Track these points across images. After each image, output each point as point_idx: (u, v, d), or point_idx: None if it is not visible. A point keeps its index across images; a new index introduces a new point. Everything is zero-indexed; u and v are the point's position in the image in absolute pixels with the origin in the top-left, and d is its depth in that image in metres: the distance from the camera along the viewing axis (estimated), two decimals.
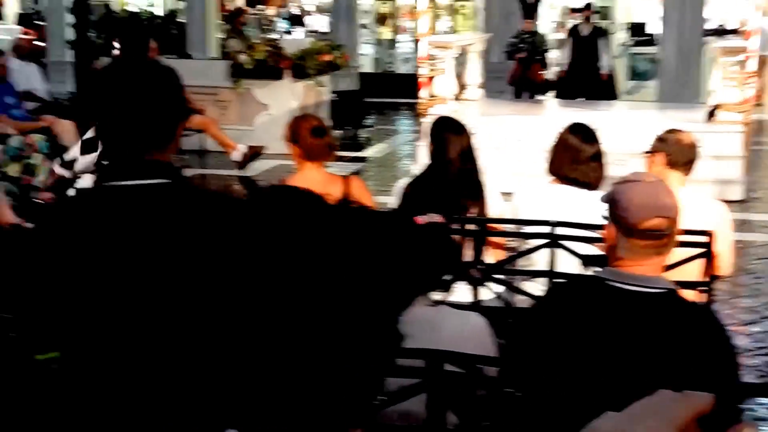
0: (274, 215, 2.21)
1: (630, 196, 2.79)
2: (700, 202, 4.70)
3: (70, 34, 13.62)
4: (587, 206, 4.70)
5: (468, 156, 4.96)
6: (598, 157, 4.92)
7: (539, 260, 4.67)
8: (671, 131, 4.89)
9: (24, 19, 24.68)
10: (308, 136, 5.06)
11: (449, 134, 5.00)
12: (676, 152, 4.75)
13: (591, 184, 4.87)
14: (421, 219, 3.16)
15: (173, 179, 2.27)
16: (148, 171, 2.25)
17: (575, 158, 4.88)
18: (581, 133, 4.99)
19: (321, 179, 5.06)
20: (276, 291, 2.11)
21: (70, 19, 12.99)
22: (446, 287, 3.16)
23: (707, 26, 19.19)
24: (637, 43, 20.24)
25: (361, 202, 5.01)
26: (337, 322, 2.12)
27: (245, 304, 2.14)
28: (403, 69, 21.56)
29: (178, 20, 21.25)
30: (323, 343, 2.13)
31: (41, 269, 2.25)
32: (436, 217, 3.17)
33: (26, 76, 12.43)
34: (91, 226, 2.22)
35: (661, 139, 4.85)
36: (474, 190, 4.93)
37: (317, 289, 2.10)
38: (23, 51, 13.00)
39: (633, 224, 2.76)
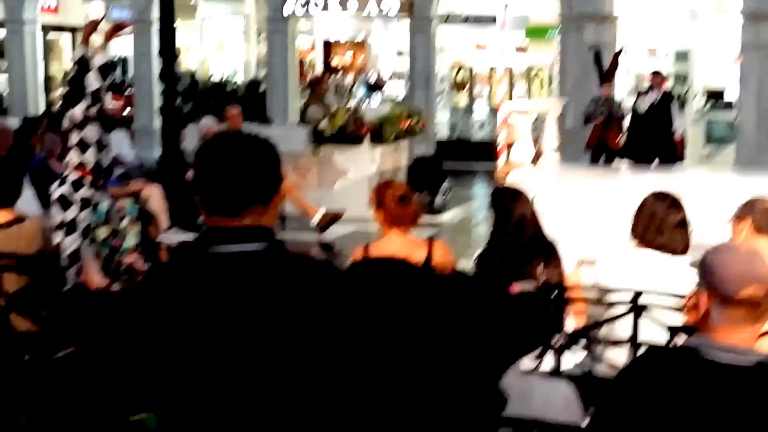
0: (374, 286, 2.25)
1: (727, 264, 2.75)
2: None
3: (157, 101, 13.99)
4: (673, 272, 4.68)
5: (530, 223, 4.97)
6: (683, 224, 4.90)
7: (622, 329, 4.63)
8: (759, 198, 4.84)
9: (113, 87, 25.47)
10: (393, 203, 5.12)
11: (509, 203, 5.02)
12: (764, 218, 4.70)
13: (677, 250, 4.84)
14: (516, 288, 3.18)
15: (271, 244, 2.34)
16: (249, 236, 2.32)
17: (661, 225, 4.86)
18: (667, 199, 4.98)
19: (405, 244, 5.11)
20: (375, 360, 2.14)
21: (157, 86, 13.34)
22: (541, 355, 3.16)
23: None
24: (716, 108, 20.07)
25: (445, 267, 5.09)
26: (439, 392, 2.14)
27: (340, 373, 2.17)
28: (478, 135, 21.66)
29: (261, 89, 21.69)
30: (426, 409, 2.15)
31: (139, 331, 2.31)
32: (528, 286, 3.19)
33: (116, 142, 12.80)
34: (191, 291, 2.28)
35: (748, 205, 4.80)
36: (545, 256, 4.92)
37: (418, 357, 2.12)
38: (113, 118, 13.44)
39: (731, 293, 2.73)
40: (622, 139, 15.73)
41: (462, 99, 22.33)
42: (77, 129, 6.51)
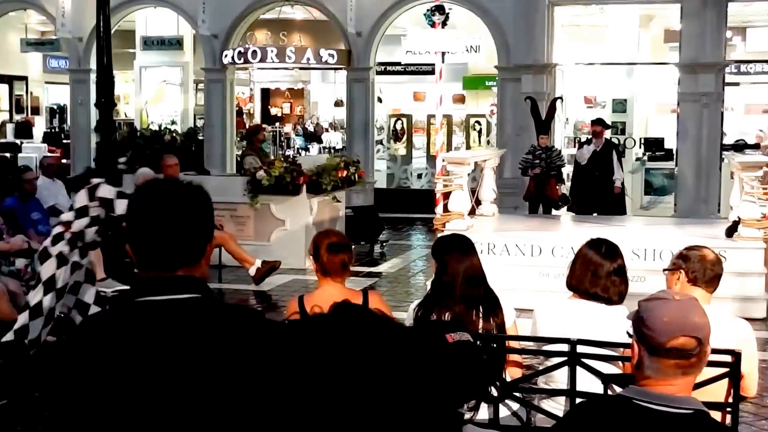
0: (308, 336, 2.21)
1: (658, 314, 2.73)
2: (723, 320, 4.63)
3: (94, 151, 13.91)
4: (609, 321, 4.66)
5: (474, 273, 4.93)
6: (619, 272, 4.90)
7: (559, 379, 4.60)
8: (693, 248, 4.86)
9: (50, 138, 25.32)
10: (325, 253, 5.06)
11: (453, 253, 4.99)
12: (699, 269, 4.72)
13: (612, 300, 4.84)
14: (451, 337, 3.13)
15: (203, 294, 2.31)
16: (181, 286, 2.30)
17: (596, 273, 4.86)
18: (602, 248, 4.98)
19: (339, 294, 5.03)
20: (303, 412, 2.09)
21: (94, 137, 13.25)
22: (476, 406, 3.10)
23: (725, 141, 19.37)
24: (655, 158, 20.31)
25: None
26: None
27: (266, 423, 2.13)
28: (417, 185, 21.74)
29: (199, 138, 21.62)
30: None
31: (68, 382, 2.27)
32: (465, 336, 3.14)
33: (53, 192, 12.76)
34: (121, 341, 2.25)
35: (683, 256, 4.81)
36: (485, 305, 4.88)
37: (353, 409, 2.08)
38: (50, 169, 13.37)
39: (659, 343, 2.70)
40: (561, 188, 15.85)
41: (400, 148, 22.41)
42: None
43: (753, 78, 22.68)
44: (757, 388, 7.37)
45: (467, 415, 3.06)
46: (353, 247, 14.51)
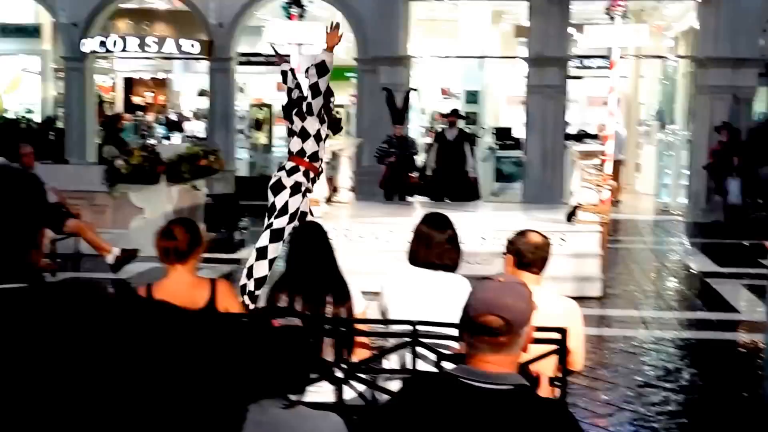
0: (126, 322, 2.19)
1: (476, 290, 2.82)
2: (551, 300, 4.81)
3: None
4: (446, 287, 4.82)
5: (325, 259, 4.99)
6: (450, 240, 5.07)
7: (404, 358, 4.69)
8: (520, 233, 5.02)
9: None
10: (158, 239, 5.04)
11: (307, 239, 5.04)
12: (524, 253, 4.87)
13: (447, 266, 5.00)
14: (278, 322, 3.17)
15: (32, 283, 2.24)
16: (6, 275, 2.22)
17: (429, 244, 5.02)
18: (432, 221, 5.14)
19: (187, 282, 5.02)
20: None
21: None
22: (301, 389, 3.14)
23: (569, 131, 19.95)
24: (504, 147, 20.78)
25: (226, 305, 5.02)
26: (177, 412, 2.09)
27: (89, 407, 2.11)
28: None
29: (57, 126, 21.04)
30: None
31: None
32: (294, 321, 3.19)
33: None
34: None
35: (510, 241, 4.97)
36: (337, 292, 4.94)
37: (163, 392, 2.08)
38: None
39: (468, 318, 2.78)
40: (415, 176, 16.05)
41: (262, 137, 22.30)
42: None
43: (594, 72, 23.41)
44: (591, 363, 7.70)
45: (293, 397, 3.08)
46: (209, 234, 14.33)
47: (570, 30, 18.70)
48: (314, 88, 8.62)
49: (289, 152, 8.89)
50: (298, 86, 9.06)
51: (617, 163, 19.02)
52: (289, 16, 11.77)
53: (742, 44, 17.61)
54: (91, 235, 11.63)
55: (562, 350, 4.40)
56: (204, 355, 2.15)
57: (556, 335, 4.40)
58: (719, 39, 17.64)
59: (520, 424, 2.67)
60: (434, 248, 5.03)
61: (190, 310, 2.27)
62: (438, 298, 4.73)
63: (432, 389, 2.85)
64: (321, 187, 11.72)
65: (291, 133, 8.97)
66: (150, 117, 25.93)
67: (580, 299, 8.70)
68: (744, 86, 17.81)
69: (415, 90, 17.48)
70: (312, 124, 8.74)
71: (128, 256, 11.44)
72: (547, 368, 4.42)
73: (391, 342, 4.76)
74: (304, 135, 8.76)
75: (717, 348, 9.06)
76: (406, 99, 16.40)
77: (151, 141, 21.11)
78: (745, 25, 17.55)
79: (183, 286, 4.97)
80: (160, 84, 28.19)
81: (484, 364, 2.75)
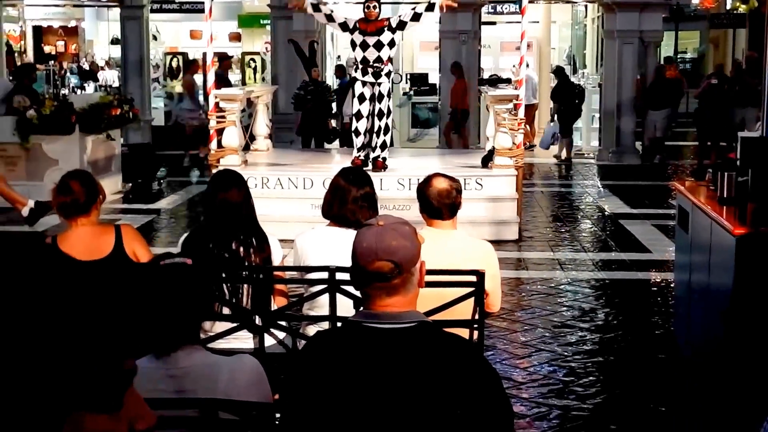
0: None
1: (359, 240, 2.77)
2: (466, 243, 4.80)
3: None
4: None
5: (243, 206, 4.90)
6: (366, 198, 4.96)
7: (323, 305, 4.65)
8: (425, 180, 4.87)
9: None
10: (54, 195, 4.95)
11: (224, 185, 4.94)
12: (430, 200, 4.77)
13: (360, 224, 4.88)
14: (165, 262, 3.10)
15: None
16: None
17: (344, 199, 4.93)
18: (350, 175, 5.04)
19: (91, 232, 4.93)
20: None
21: None
22: (195, 333, 3.09)
23: (484, 76, 19.99)
24: (420, 93, 20.70)
25: (133, 249, 4.97)
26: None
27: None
28: (195, 122, 21.32)
29: None
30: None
31: None
32: (186, 261, 3.12)
33: None
34: None
35: (417, 190, 4.88)
36: (256, 240, 4.87)
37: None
38: None
39: (358, 268, 2.74)
40: (332, 122, 15.97)
41: (177, 86, 21.88)
42: None
43: (507, 18, 23.47)
44: (509, 305, 7.78)
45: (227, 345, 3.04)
46: (125, 185, 14.11)
47: None
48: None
49: None
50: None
51: (530, 108, 19.18)
52: None
53: None
54: (4, 187, 11.34)
55: (479, 292, 4.41)
56: (101, 301, 2.11)
57: (473, 278, 4.41)
58: None
59: (427, 358, 2.66)
60: (349, 204, 4.93)
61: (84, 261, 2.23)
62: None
63: (338, 337, 2.84)
64: (237, 136, 11.57)
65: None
66: (62, 66, 25.28)
67: (497, 242, 8.80)
68: (650, 30, 18.02)
69: (316, 42, 17.30)
70: None
71: (43, 208, 11.18)
72: (464, 311, 4.42)
73: (310, 291, 4.73)
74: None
75: (630, 287, 9.23)
76: (311, 49, 16.30)
77: (64, 91, 20.61)
78: None
79: (87, 237, 4.91)
80: (71, 32, 27.49)
81: (383, 308, 2.72)
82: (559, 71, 19.31)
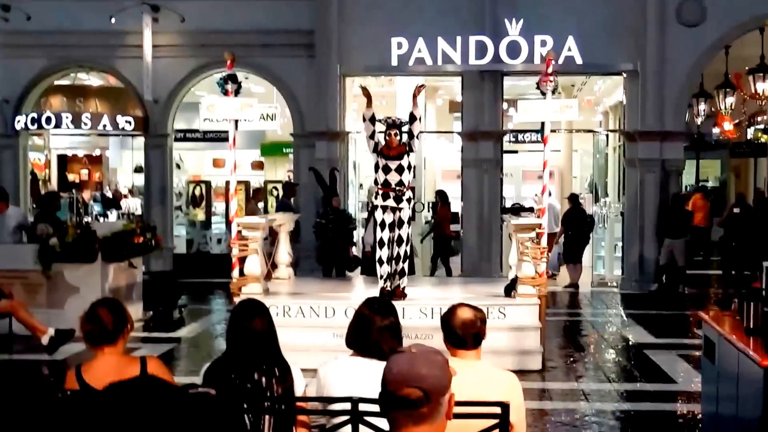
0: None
1: (390, 364, 2.79)
2: (491, 373, 4.81)
3: None
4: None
5: (266, 336, 4.94)
6: (391, 328, 4.99)
7: None
8: (450, 310, 4.95)
9: None
10: (83, 323, 4.97)
11: (247, 315, 4.99)
12: (455, 330, 4.82)
13: (385, 354, 4.90)
14: (192, 390, 3.12)
15: None
16: None
17: (368, 329, 4.95)
18: (375, 305, 5.08)
19: (116, 362, 4.93)
20: None
21: None
22: None
23: (506, 205, 20.19)
24: None
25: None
26: None
27: None
28: (216, 249, 21.55)
29: None
30: None
31: None
32: (209, 391, 3.14)
33: None
34: None
35: (441, 319, 4.93)
36: (278, 370, 4.89)
37: None
38: None
39: (386, 393, 2.76)
40: (353, 250, 16.08)
41: (199, 214, 22.18)
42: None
43: (528, 146, 23.83)
44: None
45: None
46: (146, 313, 14.16)
47: (504, 105, 19.04)
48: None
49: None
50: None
51: (553, 236, 19.29)
52: (225, 93, 11.79)
53: (669, 118, 18.03)
54: (25, 315, 11.42)
55: (503, 424, 4.40)
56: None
57: (497, 409, 4.40)
58: (646, 113, 18.04)
59: None
60: (374, 334, 4.95)
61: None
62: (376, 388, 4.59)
63: None
64: (258, 264, 11.68)
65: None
66: (85, 194, 25.66)
67: (521, 372, 8.73)
68: (672, 158, 18.21)
69: (337, 170, 17.62)
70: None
71: (64, 336, 11.23)
72: None
73: (333, 422, 4.72)
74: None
75: (657, 419, 9.12)
76: (332, 177, 16.58)
77: (87, 219, 20.90)
78: (670, 99, 18.02)
79: (112, 367, 4.87)
80: (95, 161, 27.97)
81: None
82: (572, 198, 19.47)
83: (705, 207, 22.52)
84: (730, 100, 20.88)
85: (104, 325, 4.95)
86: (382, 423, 4.42)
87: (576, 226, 18.68)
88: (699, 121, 22.97)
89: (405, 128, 11.16)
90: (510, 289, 11.55)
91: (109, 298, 5.72)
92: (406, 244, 11.30)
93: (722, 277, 17.80)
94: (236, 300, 11.01)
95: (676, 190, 18.52)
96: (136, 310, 14.16)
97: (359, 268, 16.13)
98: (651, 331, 13.63)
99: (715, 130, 25.47)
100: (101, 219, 22.92)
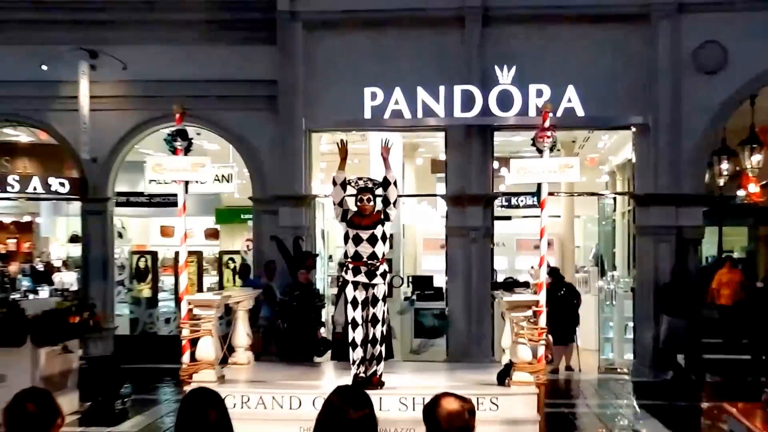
0: None
1: None
2: None
3: None
4: None
5: (217, 429, 4.93)
6: (366, 421, 4.98)
7: None
8: (433, 400, 4.96)
9: None
10: (5, 416, 4.95)
11: (198, 408, 4.98)
12: (439, 423, 4.83)
13: None
14: None
15: None
16: None
17: (340, 423, 4.94)
18: (347, 395, 5.08)
19: None
20: None
21: None
22: None
23: (497, 279, 20.15)
24: (424, 298, 20.82)
25: None
26: None
27: None
28: (164, 330, 21.47)
29: None
30: None
31: None
32: None
33: None
34: None
35: (423, 411, 4.94)
36: None
37: None
38: None
39: None
40: (321, 332, 16.03)
41: (145, 290, 22.12)
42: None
43: (524, 212, 23.90)
44: None
45: None
46: (83, 405, 14.02)
47: (494, 164, 19.03)
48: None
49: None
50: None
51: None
52: (174, 151, 11.83)
53: (686, 179, 18.07)
54: None
55: None
56: None
57: None
58: (659, 173, 18.11)
59: None
60: (346, 428, 4.95)
61: None
62: None
63: None
64: (213, 347, 11.64)
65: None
66: (13, 267, 25.58)
67: None
68: (689, 225, 18.14)
69: (301, 239, 17.66)
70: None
71: None
72: None
73: None
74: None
75: None
76: (296, 246, 16.56)
77: (14, 295, 20.80)
78: (687, 156, 18.09)
79: None
80: (24, 228, 27.95)
81: None
82: (553, 272, 19.09)
83: (732, 282, 22.19)
84: (757, 157, 20.89)
85: (29, 419, 4.93)
86: None
87: (557, 302, 18.64)
88: (721, 182, 22.88)
89: (379, 191, 11.18)
90: (503, 376, 11.54)
91: (37, 388, 5.69)
92: (382, 325, 11.28)
93: (750, 363, 17.81)
94: (186, 389, 10.94)
95: (694, 262, 18.39)
96: (71, 401, 14.07)
97: (329, 352, 16.06)
98: (668, 425, 13.62)
99: (740, 193, 25.62)
100: (31, 296, 22.81)
